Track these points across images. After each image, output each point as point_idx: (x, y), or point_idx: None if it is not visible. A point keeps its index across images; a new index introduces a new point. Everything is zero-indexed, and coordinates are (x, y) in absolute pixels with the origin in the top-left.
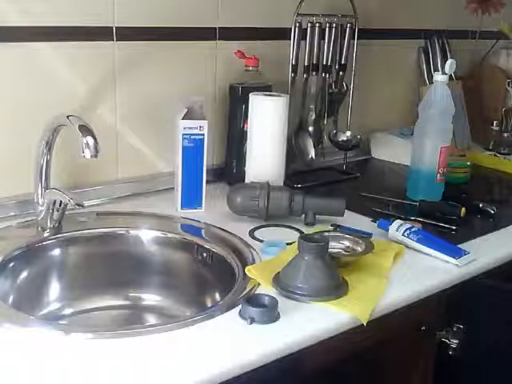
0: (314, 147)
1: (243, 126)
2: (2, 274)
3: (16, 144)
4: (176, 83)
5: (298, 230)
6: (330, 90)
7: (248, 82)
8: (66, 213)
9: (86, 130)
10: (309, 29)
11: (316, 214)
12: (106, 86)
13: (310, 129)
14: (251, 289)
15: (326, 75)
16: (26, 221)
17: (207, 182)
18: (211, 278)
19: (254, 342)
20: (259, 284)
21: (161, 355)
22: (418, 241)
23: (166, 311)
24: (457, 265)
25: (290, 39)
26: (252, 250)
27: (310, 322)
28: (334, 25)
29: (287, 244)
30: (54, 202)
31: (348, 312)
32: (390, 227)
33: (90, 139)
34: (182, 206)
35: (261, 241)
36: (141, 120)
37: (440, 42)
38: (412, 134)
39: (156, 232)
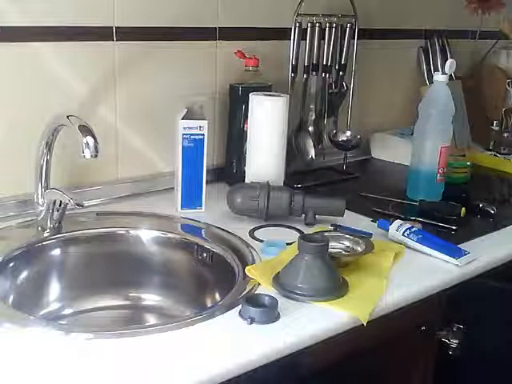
0: (314, 147)
1: (243, 126)
2: (2, 274)
3: (16, 144)
4: (176, 83)
5: (298, 230)
6: (330, 90)
7: (248, 82)
8: (66, 213)
9: (86, 130)
10: (309, 29)
11: (316, 214)
12: (106, 85)
13: (310, 129)
14: (251, 289)
15: (326, 75)
16: (26, 221)
17: (207, 182)
18: (211, 278)
19: (253, 342)
20: (259, 284)
21: (161, 355)
22: (418, 241)
23: (166, 311)
24: (457, 265)
25: (290, 39)
26: (252, 250)
27: (310, 322)
28: (334, 25)
29: (287, 244)
30: (54, 202)
31: (348, 312)
32: (390, 227)
33: (89, 139)
34: (182, 206)
35: (261, 241)
36: (141, 120)
37: (440, 41)
38: (412, 134)
39: (156, 232)
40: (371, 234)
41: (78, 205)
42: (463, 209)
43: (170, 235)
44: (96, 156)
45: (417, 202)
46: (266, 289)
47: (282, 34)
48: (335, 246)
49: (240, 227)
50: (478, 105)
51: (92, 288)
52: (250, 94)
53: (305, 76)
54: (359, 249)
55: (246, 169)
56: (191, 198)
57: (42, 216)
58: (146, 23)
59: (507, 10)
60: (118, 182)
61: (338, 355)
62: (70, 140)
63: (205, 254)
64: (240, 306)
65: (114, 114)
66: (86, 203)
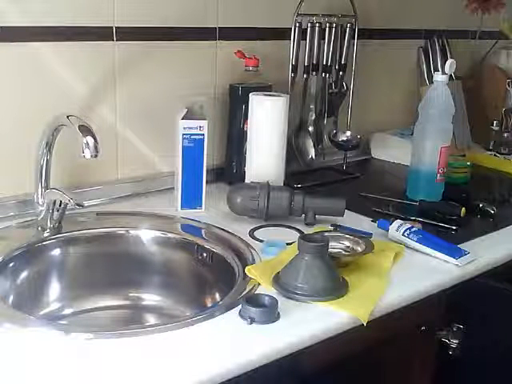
0: (314, 147)
1: (243, 126)
2: (2, 274)
3: (16, 144)
4: (176, 83)
5: (298, 230)
6: (330, 90)
7: (248, 82)
8: (66, 213)
9: (85, 130)
10: (309, 29)
11: (316, 214)
12: (106, 85)
13: (310, 129)
14: (251, 289)
15: (326, 75)
16: (26, 221)
17: (207, 182)
18: (211, 278)
19: (253, 342)
20: (259, 284)
21: (161, 355)
22: (418, 241)
23: (166, 311)
24: (457, 265)
25: (290, 39)
26: (252, 250)
27: (309, 322)
28: (334, 25)
29: (287, 244)
30: (54, 202)
31: (348, 312)
32: (390, 227)
33: (89, 139)
34: (182, 206)
35: (261, 241)
36: (141, 120)
37: (440, 41)
38: (412, 134)
39: (156, 232)
40: (371, 233)
41: (78, 205)
42: (463, 209)
43: (170, 235)
44: (96, 156)
45: (417, 202)
46: (266, 289)
47: (281, 34)
48: (335, 246)
49: (240, 227)
50: (478, 105)
51: (92, 288)
52: (250, 94)
53: (305, 76)
54: (359, 249)
55: (246, 169)
56: (191, 198)
57: (42, 216)
58: (146, 23)
59: (507, 9)
60: (118, 182)
61: (338, 355)
62: (70, 140)
63: (205, 254)
64: (240, 306)
65: (114, 114)
66: (86, 203)
